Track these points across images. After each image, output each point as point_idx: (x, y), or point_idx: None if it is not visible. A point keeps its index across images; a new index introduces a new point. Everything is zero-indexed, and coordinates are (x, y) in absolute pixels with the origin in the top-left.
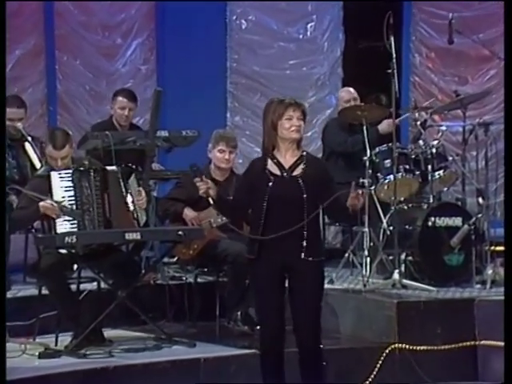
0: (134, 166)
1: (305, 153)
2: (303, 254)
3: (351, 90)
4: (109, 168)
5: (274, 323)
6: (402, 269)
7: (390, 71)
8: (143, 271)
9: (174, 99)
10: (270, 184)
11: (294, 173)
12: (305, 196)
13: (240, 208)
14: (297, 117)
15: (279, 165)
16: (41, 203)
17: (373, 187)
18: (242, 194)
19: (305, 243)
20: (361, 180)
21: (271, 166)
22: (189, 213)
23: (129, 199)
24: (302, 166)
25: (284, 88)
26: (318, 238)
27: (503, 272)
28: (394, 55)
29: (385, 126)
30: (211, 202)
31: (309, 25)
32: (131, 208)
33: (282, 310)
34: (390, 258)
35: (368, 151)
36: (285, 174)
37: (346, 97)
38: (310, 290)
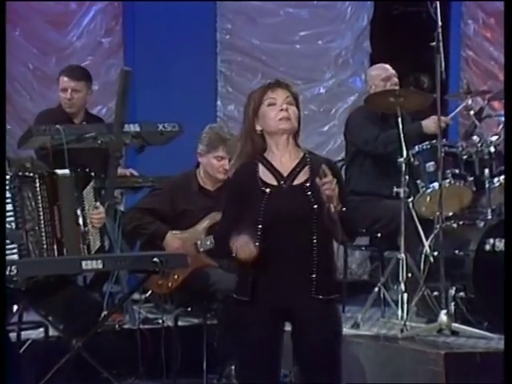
0: (92, 172)
1: (307, 152)
2: (313, 291)
3: (387, 66)
4: (60, 172)
5: None
6: (452, 309)
7: (434, 44)
8: (105, 312)
9: (146, 82)
10: (265, 198)
11: (296, 181)
12: (313, 212)
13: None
14: (282, 99)
15: (274, 171)
16: None
17: (411, 199)
18: (234, 214)
19: (315, 276)
20: (395, 189)
21: (263, 173)
22: (172, 240)
23: (80, 215)
24: (305, 171)
25: (293, 68)
26: (332, 269)
27: None
28: (440, 23)
29: (431, 124)
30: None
31: None
32: (82, 228)
33: (278, 371)
34: (435, 293)
35: (404, 151)
36: (283, 183)
37: (383, 75)
38: (323, 339)
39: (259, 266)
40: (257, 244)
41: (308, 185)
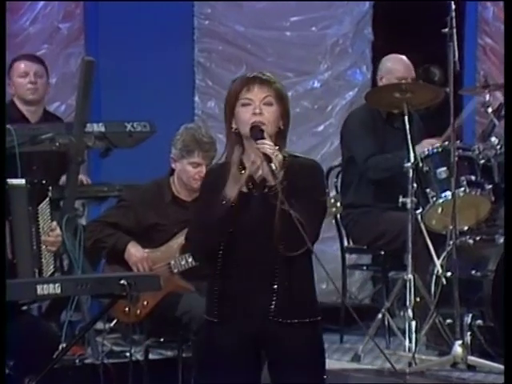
0: (49, 185)
1: (287, 156)
2: (272, 313)
3: (404, 58)
4: (12, 182)
5: None
6: (467, 339)
7: (446, 30)
8: (64, 345)
9: (112, 75)
10: (232, 206)
11: (267, 188)
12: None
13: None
14: (259, 100)
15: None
16: None
17: (419, 210)
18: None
19: (274, 297)
20: (401, 199)
21: None
22: (135, 251)
23: (34, 234)
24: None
25: (282, 58)
26: (304, 287)
27: None
28: (454, 6)
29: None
30: None
31: None
32: (35, 248)
33: None
34: (448, 321)
35: (412, 155)
36: (254, 190)
37: (400, 71)
38: (295, 372)
39: (226, 281)
40: (221, 258)
41: (276, 192)
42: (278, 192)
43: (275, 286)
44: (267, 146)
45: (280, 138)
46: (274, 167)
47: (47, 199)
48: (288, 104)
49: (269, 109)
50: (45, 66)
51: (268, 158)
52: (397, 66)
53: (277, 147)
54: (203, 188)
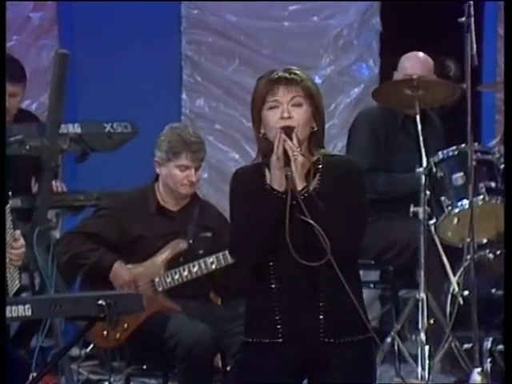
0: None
1: (321, 156)
2: (322, 333)
3: (420, 55)
4: None
5: None
6: (487, 366)
7: (463, 20)
8: (34, 374)
9: (89, 70)
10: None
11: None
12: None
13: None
14: (287, 101)
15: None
16: None
17: (433, 221)
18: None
19: (322, 316)
20: (412, 208)
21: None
22: (122, 272)
23: None
24: (314, 181)
25: (280, 51)
26: (354, 305)
27: None
28: None
29: None
30: None
31: None
32: None
33: None
34: (466, 346)
35: (424, 159)
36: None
37: (412, 68)
38: None
39: (271, 298)
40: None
41: (315, 193)
42: (309, 197)
43: (321, 304)
44: (289, 145)
45: (314, 140)
46: (292, 170)
47: (7, 206)
48: (320, 102)
49: (298, 110)
50: (23, 80)
51: (287, 160)
52: (408, 62)
53: (299, 149)
54: (235, 194)
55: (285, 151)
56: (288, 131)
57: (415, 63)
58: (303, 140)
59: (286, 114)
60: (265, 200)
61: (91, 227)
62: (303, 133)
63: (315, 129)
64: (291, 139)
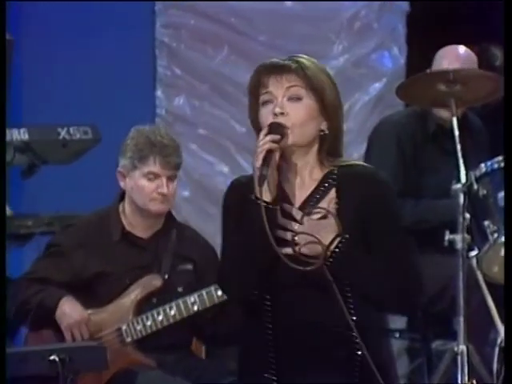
0: None
1: (335, 168)
2: None
3: (461, 49)
4: None
5: None
6: None
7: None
8: None
9: (39, 61)
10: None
11: (315, 215)
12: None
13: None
14: (281, 94)
15: (283, 197)
16: None
17: (474, 252)
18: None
19: (357, 370)
20: (447, 236)
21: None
22: (70, 309)
23: None
24: (328, 197)
25: (281, 37)
26: (381, 355)
27: None
28: None
29: None
30: None
31: None
32: None
33: None
34: None
35: (463, 172)
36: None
37: (450, 63)
38: None
39: (257, 351)
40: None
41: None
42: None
43: (352, 358)
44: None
45: (325, 147)
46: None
47: None
48: (334, 96)
49: (296, 105)
50: None
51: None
52: (445, 59)
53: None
54: (228, 210)
55: (269, 151)
56: (279, 129)
57: (455, 60)
58: (305, 145)
59: (277, 110)
60: (258, 216)
61: (40, 271)
62: (304, 135)
63: (325, 132)
64: (280, 140)
